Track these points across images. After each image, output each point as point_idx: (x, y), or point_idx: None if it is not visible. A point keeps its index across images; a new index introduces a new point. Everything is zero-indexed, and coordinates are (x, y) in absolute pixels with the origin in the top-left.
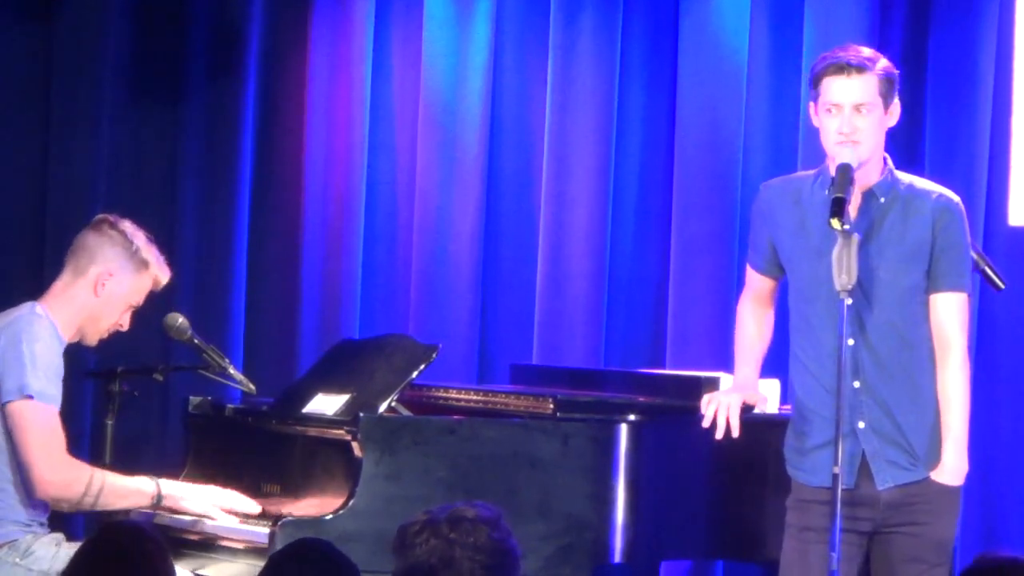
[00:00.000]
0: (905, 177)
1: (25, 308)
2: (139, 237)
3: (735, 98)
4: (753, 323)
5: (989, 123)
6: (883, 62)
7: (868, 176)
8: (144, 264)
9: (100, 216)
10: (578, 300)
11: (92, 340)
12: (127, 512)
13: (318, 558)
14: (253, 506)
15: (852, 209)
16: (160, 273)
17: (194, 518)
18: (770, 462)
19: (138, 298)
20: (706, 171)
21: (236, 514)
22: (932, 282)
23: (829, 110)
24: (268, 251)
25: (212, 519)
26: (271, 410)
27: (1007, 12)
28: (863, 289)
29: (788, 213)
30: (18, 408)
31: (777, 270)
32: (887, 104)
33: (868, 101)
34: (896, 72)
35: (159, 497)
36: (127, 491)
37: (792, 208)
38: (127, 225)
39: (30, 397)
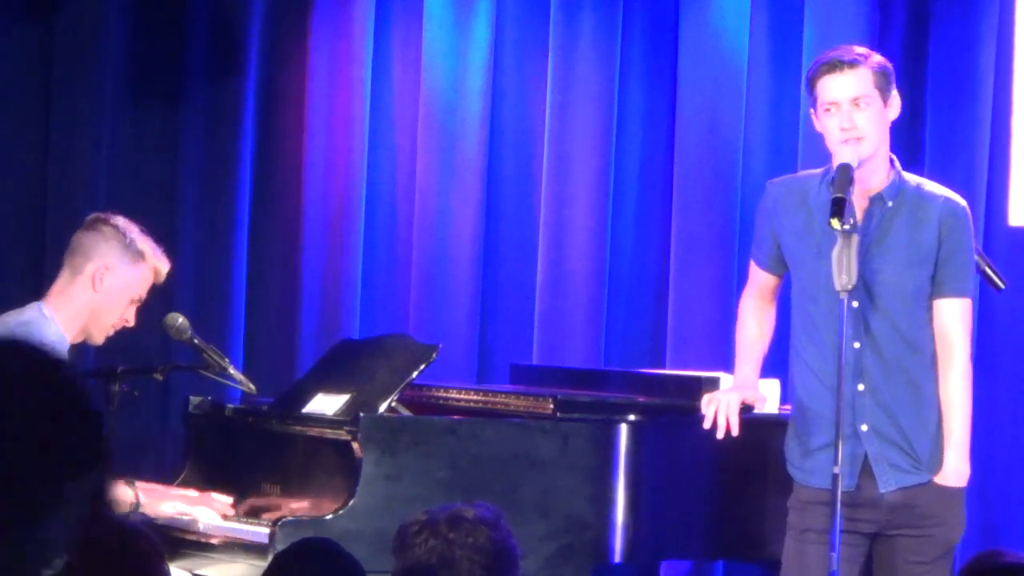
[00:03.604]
0: (912, 179)
1: (33, 310)
2: (132, 230)
3: (735, 98)
4: (755, 321)
5: (989, 123)
6: (876, 57)
7: (874, 177)
8: (140, 255)
9: (92, 215)
10: (578, 300)
11: (98, 338)
12: (126, 513)
13: (323, 557)
14: (210, 515)
15: (858, 212)
16: (159, 263)
17: (190, 519)
18: (770, 462)
19: (140, 291)
20: (706, 171)
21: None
22: (936, 287)
23: (828, 109)
24: (268, 251)
25: (192, 517)
26: (271, 410)
27: (1007, 12)
28: (869, 292)
29: (794, 212)
30: None
31: (781, 267)
32: (885, 97)
33: (864, 94)
34: (889, 65)
35: (137, 504)
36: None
37: (798, 207)
38: (119, 220)
39: None
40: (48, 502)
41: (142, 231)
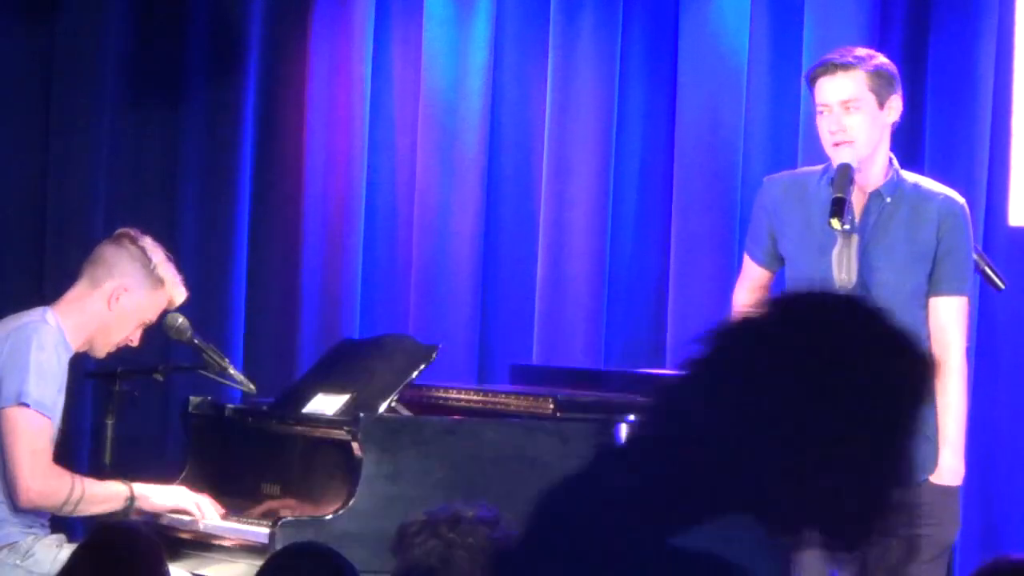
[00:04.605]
0: (911, 177)
1: (36, 313)
2: (158, 254)
3: (735, 98)
4: None
5: (989, 123)
6: (877, 59)
7: (873, 176)
8: (160, 282)
9: (122, 230)
10: (578, 300)
11: (101, 352)
12: (126, 512)
13: (316, 559)
14: (213, 513)
15: (857, 210)
16: (175, 292)
17: (191, 518)
18: None
19: (151, 315)
20: (706, 171)
21: (189, 514)
22: (933, 285)
23: (821, 111)
24: (268, 251)
25: (187, 514)
26: (271, 410)
27: (1007, 12)
28: (867, 290)
29: (793, 210)
30: (11, 414)
31: (776, 262)
32: (881, 100)
33: (855, 97)
34: (893, 68)
35: (131, 499)
36: (104, 497)
37: (797, 205)
38: (147, 241)
39: (25, 405)
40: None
41: (167, 256)
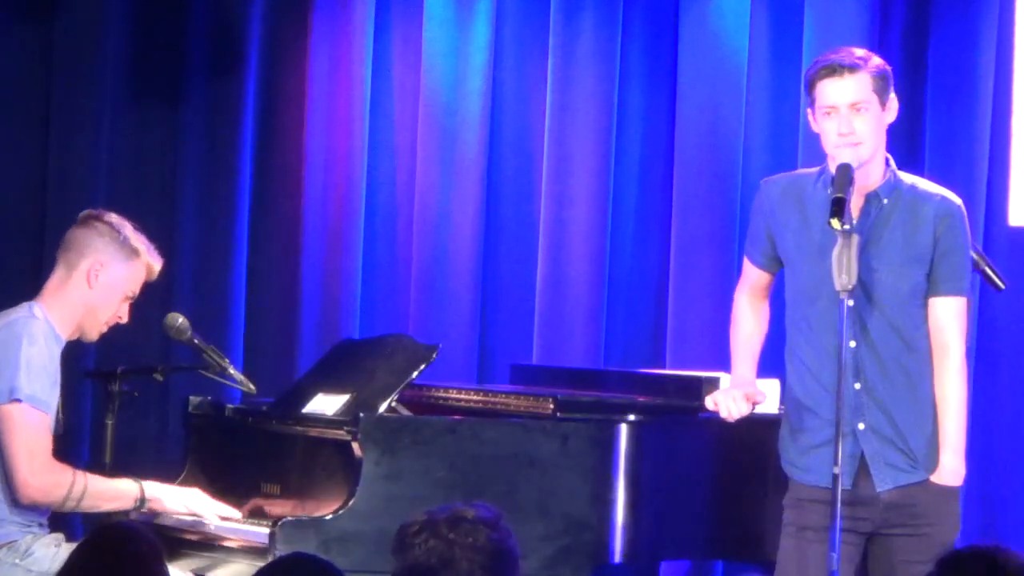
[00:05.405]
0: (908, 178)
1: (23, 309)
2: (126, 227)
3: (735, 98)
4: (751, 316)
5: (989, 123)
6: (875, 60)
7: (870, 177)
8: (135, 252)
9: (85, 212)
10: (578, 300)
11: (93, 335)
12: (126, 513)
13: (307, 569)
14: (229, 511)
15: (855, 210)
16: (152, 260)
17: (194, 518)
18: (770, 462)
19: (133, 288)
20: (706, 171)
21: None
22: (932, 286)
23: (827, 113)
24: (268, 251)
25: (200, 518)
26: (271, 410)
27: (1007, 11)
28: (865, 291)
29: (790, 212)
30: (6, 411)
31: (775, 264)
32: (883, 101)
33: (863, 99)
34: (889, 68)
35: (142, 500)
36: (110, 494)
37: (794, 207)
38: (112, 217)
39: (19, 401)
40: None
41: (135, 228)
